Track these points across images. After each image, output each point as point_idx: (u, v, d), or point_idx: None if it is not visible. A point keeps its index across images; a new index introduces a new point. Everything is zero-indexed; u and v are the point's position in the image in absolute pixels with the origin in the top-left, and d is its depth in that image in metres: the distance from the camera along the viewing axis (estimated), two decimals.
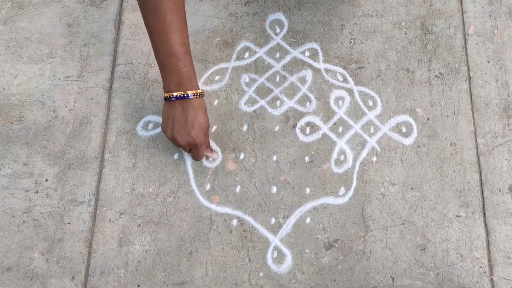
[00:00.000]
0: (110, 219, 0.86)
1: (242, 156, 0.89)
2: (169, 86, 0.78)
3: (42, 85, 0.95)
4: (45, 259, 0.84)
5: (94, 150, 0.90)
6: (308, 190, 0.86)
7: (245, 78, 0.94)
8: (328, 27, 0.97)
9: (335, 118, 0.91)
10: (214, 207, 0.86)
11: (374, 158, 0.88)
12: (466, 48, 0.94)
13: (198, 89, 0.80)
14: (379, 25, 0.97)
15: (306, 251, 0.83)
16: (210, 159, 0.88)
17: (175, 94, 0.78)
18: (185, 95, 0.78)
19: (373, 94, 0.92)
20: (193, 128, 0.79)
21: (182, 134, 0.79)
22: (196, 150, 0.82)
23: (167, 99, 0.79)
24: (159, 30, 0.75)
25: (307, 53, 0.95)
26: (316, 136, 0.90)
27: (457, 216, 0.84)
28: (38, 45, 0.98)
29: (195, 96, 0.78)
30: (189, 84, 0.78)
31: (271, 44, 0.96)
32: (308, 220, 0.84)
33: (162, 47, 0.76)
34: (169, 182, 0.87)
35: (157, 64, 0.80)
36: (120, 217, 0.86)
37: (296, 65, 0.94)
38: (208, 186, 0.87)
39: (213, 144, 0.89)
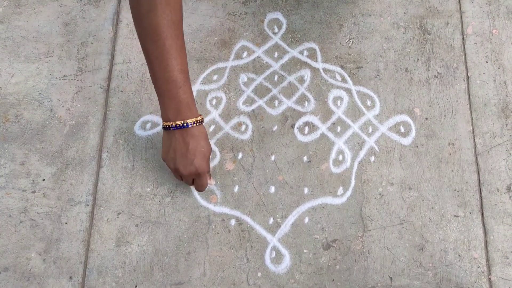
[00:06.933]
0: (107, 219, 0.86)
1: (240, 156, 0.89)
2: (168, 114, 0.76)
3: (39, 84, 0.95)
4: (42, 259, 0.83)
5: (91, 150, 0.90)
6: (306, 190, 0.86)
7: (243, 77, 0.94)
8: (327, 26, 0.97)
9: (334, 118, 0.90)
10: (212, 207, 0.86)
11: (372, 158, 0.88)
12: (464, 48, 0.95)
13: (198, 115, 0.77)
14: (377, 25, 0.97)
15: (305, 251, 0.83)
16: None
17: (174, 124, 0.76)
18: (185, 124, 0.75)
19: (371, 94, 0.92)
20: (195, 157, 0.77)
21: (184, 164, 0.77)
22: (199, 179, 0.81)
23: (166, 128, 0.76)
24: (158, 55, 0.72)
25: (305, 53, 0.95)
26: (315, 136, 0.90)
27: (455, 216, 0.84)
28: (35, 44, 0.98)
29: (194, 124, 0.76)
30: (188, 111, 0.76)
31: (270, 43, 0.96)
32: (306, 220, 0.84)
33: (161, 73, 0.74)
34: (167, 181, 0.87)
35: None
36: (118, 217, 0.85)
37: (295, 64, 0.94)
38: None
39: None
